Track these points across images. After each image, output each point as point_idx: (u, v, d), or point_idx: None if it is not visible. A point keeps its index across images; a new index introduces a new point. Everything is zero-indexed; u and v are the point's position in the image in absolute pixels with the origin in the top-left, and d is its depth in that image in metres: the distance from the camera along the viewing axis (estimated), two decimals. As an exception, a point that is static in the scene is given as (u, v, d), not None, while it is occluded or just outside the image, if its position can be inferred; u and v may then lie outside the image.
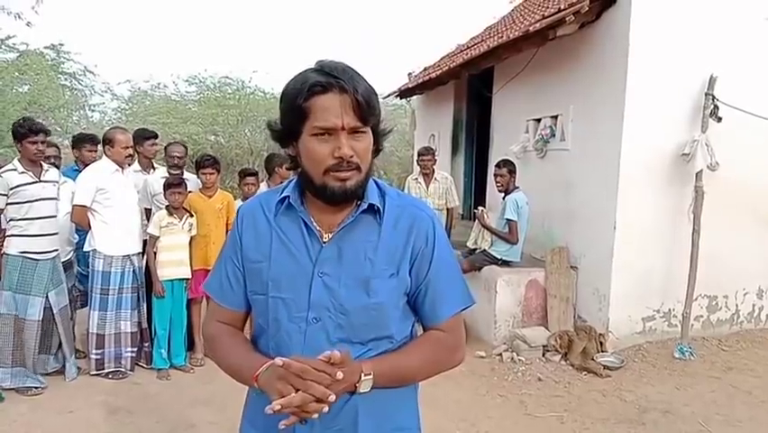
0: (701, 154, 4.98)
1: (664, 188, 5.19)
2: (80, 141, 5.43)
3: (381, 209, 1.35)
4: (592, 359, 4.87)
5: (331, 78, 1.22)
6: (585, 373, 4.74)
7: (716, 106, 5.06)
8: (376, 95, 1.28)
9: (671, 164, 5.16)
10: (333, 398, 1.17)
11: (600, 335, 5.11)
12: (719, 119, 5.07)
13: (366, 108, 1.23)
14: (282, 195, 1.37)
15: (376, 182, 1.40)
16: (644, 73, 4.96)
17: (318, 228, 1.34)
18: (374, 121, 1.29)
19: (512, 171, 5.55)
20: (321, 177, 1.27)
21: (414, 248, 1.35)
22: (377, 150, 1.36)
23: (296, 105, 1.24)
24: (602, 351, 5.02)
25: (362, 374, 1.25)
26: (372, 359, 1.31)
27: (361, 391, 1.26)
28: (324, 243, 1.33)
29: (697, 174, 5.08)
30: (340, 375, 1.18)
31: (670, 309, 5.31)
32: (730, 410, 4.09)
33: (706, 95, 5.06)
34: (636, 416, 4.02)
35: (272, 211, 1.39)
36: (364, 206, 1.33)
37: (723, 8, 5.10)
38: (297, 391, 1.16)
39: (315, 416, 1.18)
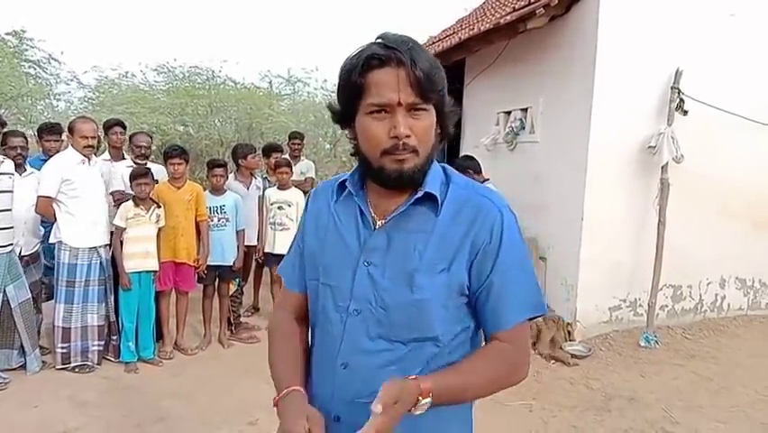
0: (667, 147, 5.07)
1: (631, 181, 5.27)
2: (41, 130, 5.30)
3: (440, 198, 1.23)
4: (560, 348, 4.95)
5: (389, 50, 1.13)
6: (553, 361, 4.82)
7: (682, 100, 5.15)
8: (440, 70, 1.18)
9: (637, 157, 5.25)
10: None
11: (568, 324, 5.19)
12: (685, 112, 5.17)
13: (425, 83, 1.13)
14: (342, 179, 1.32)
15: (444, 168, 1.31)
16: (612, 66, 5.03)
17: (373, 215, 1.27)
18: (436, 98, 1.18)
19: (468, 168, 5.52)
20: (378, 159, 1.19)
21: (474, 243, 1.22)
22: (443, 134, 1.26)
23: (351, 80, 1.16)
24: (570, 340, 5.10)
25: (420, 397, 1.10)
26: (432, 377, 1.16)
27: (416, 414, 1.11)
28: (375, 230, 1.25)
29: (663, 166, 5.17)
30: (378, 408, 1.03)
31: (636, 299, 5.41)
32: (693, 397, 4.20)
33: (672, 88, 5.15)
34: (603, 403, 4.10)
35: (334, 195, 1.33)
36: (419, 194, 1.22)
37: (689, 3, 5.18)
38: None
39: None
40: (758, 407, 4.05)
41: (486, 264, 1.22)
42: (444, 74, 1.20)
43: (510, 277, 1.23)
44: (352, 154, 1.28)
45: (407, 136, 1.15)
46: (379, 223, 1.26)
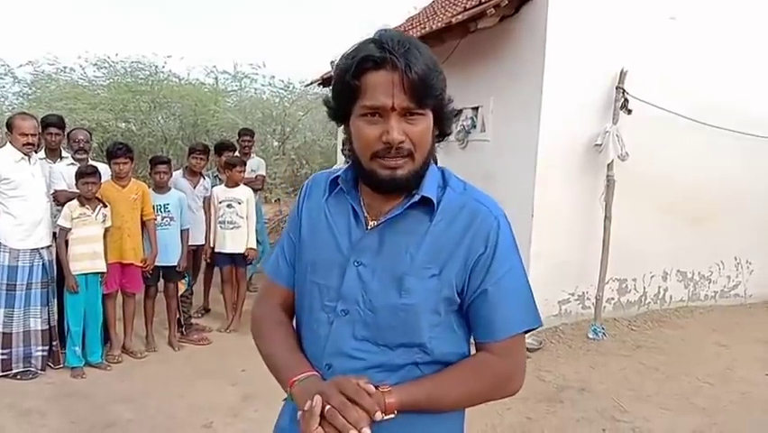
0: (612, 145, 5.22)
1: (578, 178, 5.41)
2: None
3: (436, 203, 1.19)
4: (513, 342, 5.02)
5: (385, 52, 1.08)
6: (506, 355, 4.90)
7: (626, 99, 5.31)
8: (439, 73, 1.14)
9: (584, 154, 5.39)
10: (366, 431, 1.03)
11: (520, 318, 5.28)
12: (629, 112, 5.33)
13: (421, 88, 1.09)
14: (335, 175, 1.28)
15: (443, 171, 1.27)
16: (560, 67, 5.14)
17: (366, 214, 1.24)
18: (433, 102, 1.14)
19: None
20: (368, 162, 1.15)
21: (470, 250, 1.18)
22: (441, 134, 1.23)
23: (345, 81, 1.12)
24: (522, 334, 5.19)
25: (382, 414, 1.07)
26: (401, 387, 1.15)
27: (375, 419, 1.07)
28: (367, 231, 1.22)
29: (608, 164, 5.32)
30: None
31: (584, 293, 5.56)
32: (640, 386, 4.34)
33: (617, 88, 5.30)
34: (555, 394, 4.20)
35: (326, 191, 1.30)
36: (416, 198, 1.18)
37: (632, 6, 5.35)
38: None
39: None
40: (700, 394, 4.23)
41: (479, 274, 1.19)
42: (444, 75, 1.17)
43: (504, 288, 1.20)
44: (347, 154, 1.26)
45: (401, 141, 1.12)
46: (372, 223, 1.23)
